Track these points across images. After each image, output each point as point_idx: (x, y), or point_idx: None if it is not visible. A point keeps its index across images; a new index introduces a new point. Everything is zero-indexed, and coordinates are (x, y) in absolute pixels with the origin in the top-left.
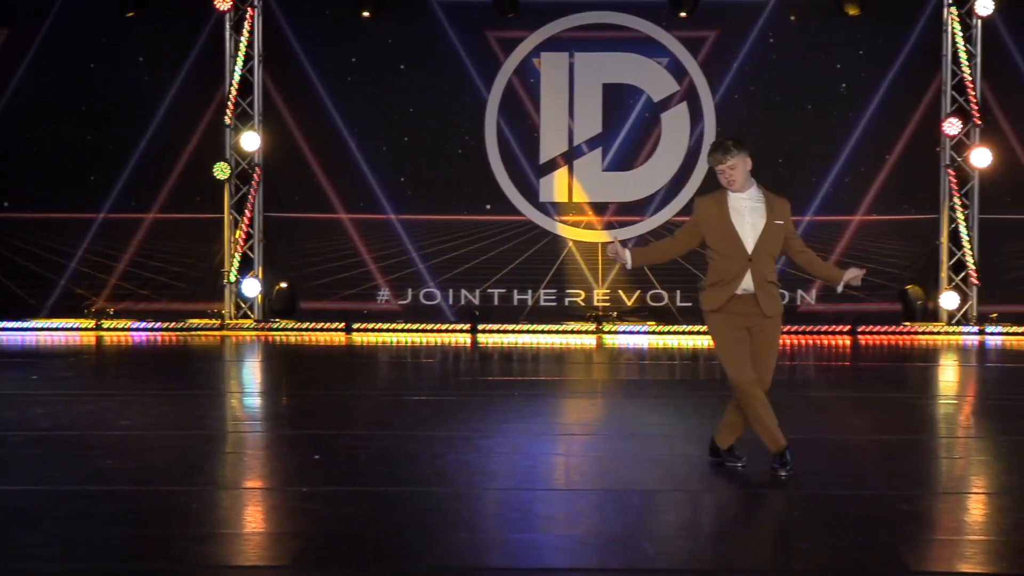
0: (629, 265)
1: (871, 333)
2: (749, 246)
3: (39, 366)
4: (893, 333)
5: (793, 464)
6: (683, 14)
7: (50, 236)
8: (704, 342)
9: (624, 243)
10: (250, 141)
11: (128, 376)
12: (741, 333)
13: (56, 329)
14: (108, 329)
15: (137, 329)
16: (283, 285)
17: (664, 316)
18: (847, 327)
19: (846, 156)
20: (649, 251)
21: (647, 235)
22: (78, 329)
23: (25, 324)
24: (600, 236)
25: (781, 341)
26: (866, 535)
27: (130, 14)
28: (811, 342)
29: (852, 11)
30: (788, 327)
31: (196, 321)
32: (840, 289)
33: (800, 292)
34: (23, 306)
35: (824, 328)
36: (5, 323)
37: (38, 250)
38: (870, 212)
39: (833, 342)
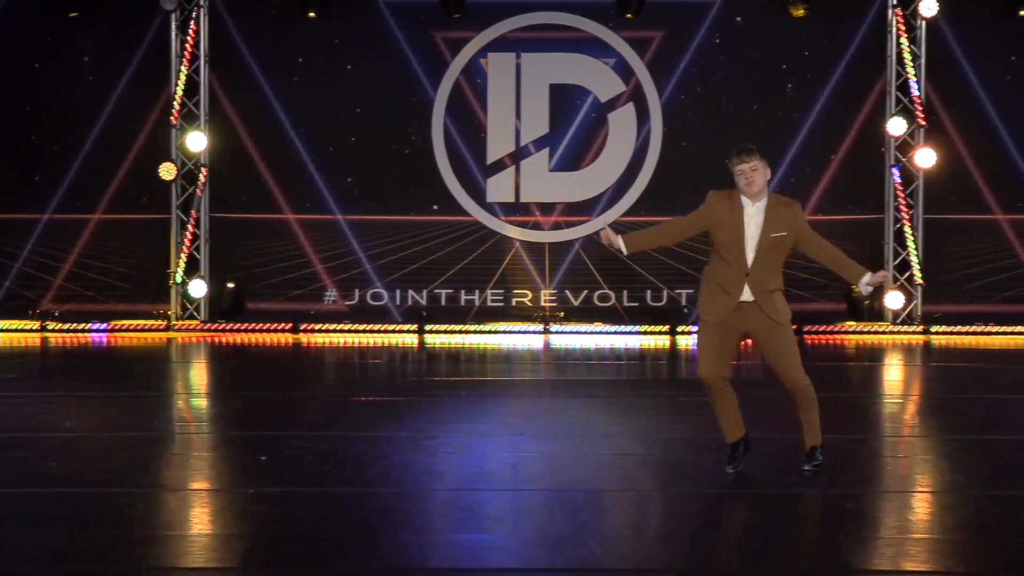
0: (625, 251)
1: (817, 332)
2: (749, 259)
3: None
4: (839, 332)
5: (744, 460)
6: (628, 15)
7: None
8: (650, 341)
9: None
10: (196, 141)
11: (74, 378)
12: (728, 335)
13: (0, 330)
14: (53, 330)
15: (83, 330)
16: (230, 286)
17: (611, 316)
18: (793, 327)
19: (792, 156)
20: (643, 236)
21: (593, 235)
22: (23, 330)
23: None
24: (547, 236)
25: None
26: (812, 534)
27: (74, 14)
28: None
29: (797, 12)
30: None
31: (142, 322)
32: (865, 289)
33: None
34: None
35: None
36: None
37: None
38: (815, 212)
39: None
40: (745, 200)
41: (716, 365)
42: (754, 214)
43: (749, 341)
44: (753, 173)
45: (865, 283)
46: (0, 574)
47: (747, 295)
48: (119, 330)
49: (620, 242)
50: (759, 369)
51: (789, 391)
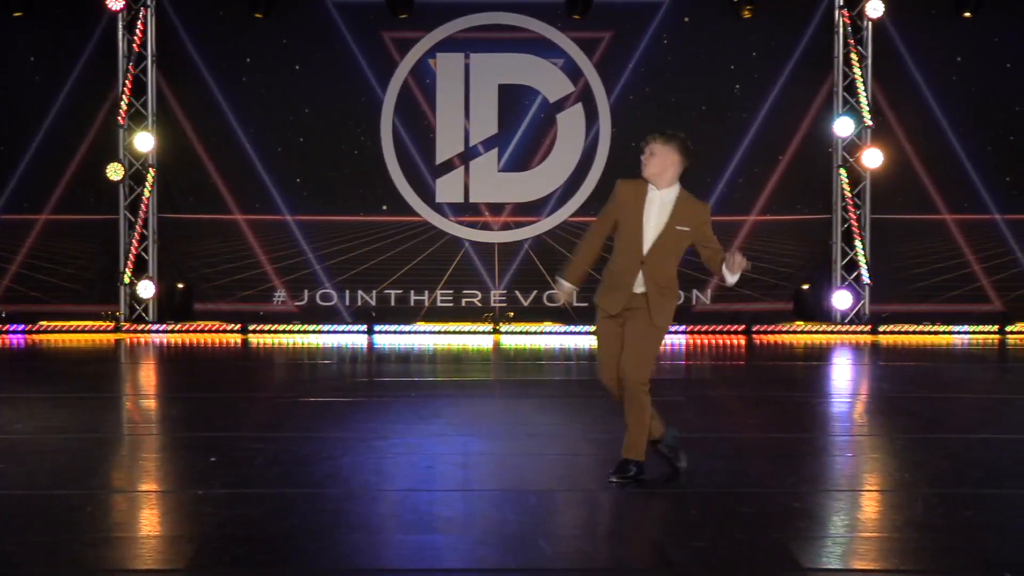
0: (575, 288)
1: (765, 332)
2: (645, 246)
3: None
4: (787, 332)
5: (619, 472)
6: (576, 16)
7: None
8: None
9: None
10: (144, 142)
11: (20, 379)
12: (618, 332)
13: None
14: (0, 332)
15: (29, 331)
16: (179, 286)
17: (560, 316)
18: (742, 327)
19: (740, 157)
20: (579, 263)
21: (543, 235)
22: None
23: None
24: (497, 236)
25: (661, 346)
26: (759, 533)
27: (18, 13)
28: (706, 342)
29: (745, 13)
30: (683, 327)
31: (90, 323)
32: (730, 281)
33: (695, 292)
34: None
35: (719, 328)
36: None
37: None
38: (764, 212)
39: (728, 342)
40: (651, 187)
41: (612, 368)
42: (658, 200)
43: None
44: (650, 157)
45: (729, 275)
46: None
47: (640, 285)
48: (66, 331)
49: (569, 290)
50: (707, 370)
51: (625, 388)
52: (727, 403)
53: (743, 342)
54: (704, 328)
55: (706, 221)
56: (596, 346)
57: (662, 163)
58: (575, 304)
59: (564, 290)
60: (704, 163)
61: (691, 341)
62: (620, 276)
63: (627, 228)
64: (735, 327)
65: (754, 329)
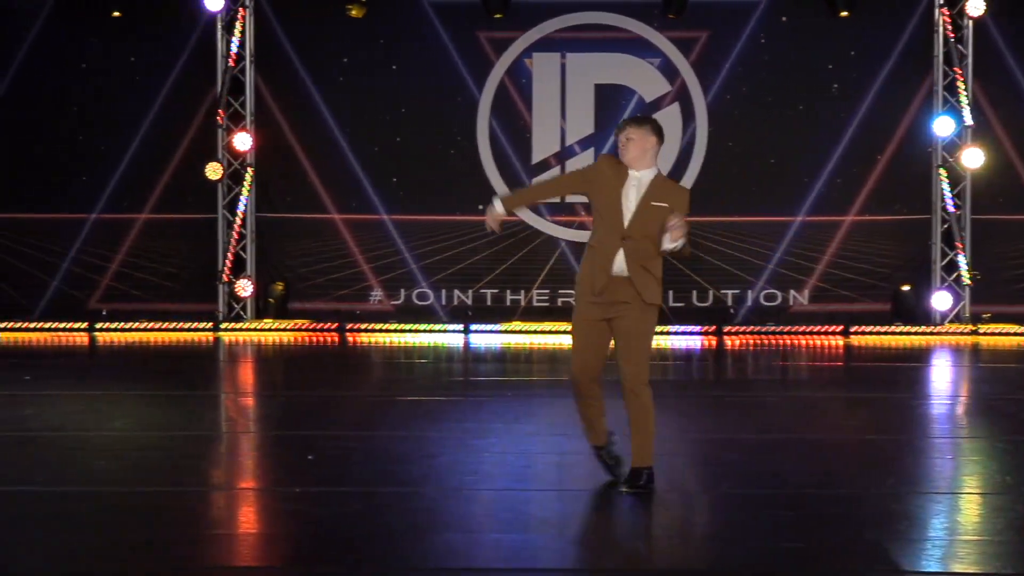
0: (503, 210)
1: (863, 334)
2: (626, 220)
3: (31, 367)
4: (886, 333)
5: (632, 483)
6: (671, 16)
7: (43, 237)
8: (696, 342)
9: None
10: (242, 141)
11: (120, 377)
12: (599, 327)
13: (49, 330)
14: (101, 329)
15: (130, 329)
16: (278, 286)
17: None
18: (839, 327)
19: (838, 156)
20: (522, 195)
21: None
22: (71, 330)
23: (18, 325)
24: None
25: (655, 339)
26: (857, 535)
27: (116, 14)
28: (803, 343)
29: (843, 12)
30: (782, 327)
31: (188, 323)
32: (667, 247)
33: (792, 292)
34: (16, 307)
35: (816, 329)
36: None
37: (31, 251)
38: (862, 212)
39: (825, 343)
40: (631, 169)
41: (587, 363)
42: (636, 180)
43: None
44: (627, 142)
45: (665, 243)
46: (49, 573)
47: (621, 265)
48: (166, 329)
49: (499, 215)
50: (803, 370)
51: (623, 390)
52: (824, 404)
53: (840, 343)
54: (801, 329)
55: (683, 204)
56: (574, 337)
57: (640, 147)
58: (671, 304)
59: (494, 211)
60: (801, 163)
61: (788, 342)
62: (599, 253)
63: (606, 204)
64: (832, 328)
65: (852, 330)
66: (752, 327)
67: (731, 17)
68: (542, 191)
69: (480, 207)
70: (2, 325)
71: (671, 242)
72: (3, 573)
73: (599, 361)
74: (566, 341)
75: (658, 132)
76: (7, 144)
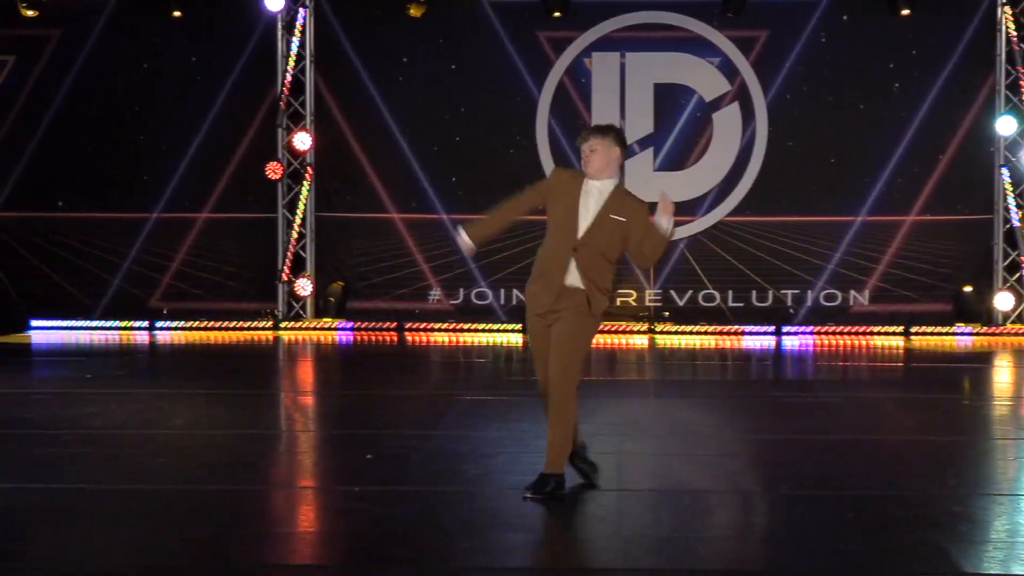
0: (472, 245)
1: (924, 334)
2: (580, 231)
3: (92, 365)
4: (947, 334)
5: (537, 488)
6: (730, 14)
7: (105, 236)
8: (755, 342)
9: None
10: (302, 141)
11: (181, 375)
12: (548, 334)
13: (110, 328)
14: (161, 328)
15: (190, 328)
16: (337, 285)
17: (716, 316)
18: (900, 328)
19: (899, 156)
20: (486, 224)
21: (698, 235)
22: (132, 328)
23: (80, 323)
24: None
25: (593, 344)
26: (917, 537)
27: (177, 13)
28: (863, 343)
29: (904, 11)
30: (842, 328)
31: (248, 322)
32: (666, 225)
33: (853, 293)
34: (77, 305)
35: (876, 329)
36: (59, 322)
37: (92, 249)
38: (923, 212)
39: (885, 343)
40: (588, 179)
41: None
42: (594, 190)
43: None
44: (591, 153)
45: (661, 222)
46: (108, 570)
47: (572, 276)
48: (226, 328)
49: (469, 246)
50: (863, 371)
51: (549, 394)
52: (884, 405)
53: (901, 343)
54: (861, 329)
55: (643, 218)
56: (531, 351)
57: (605, 157)
58: (730, 304)
59: (464, 243)
60: (862, 163)
61: (848, 342)
62: (549, 263)
63: (560, 214)
64: (893, 328)
65: (912, 330)
66: (812, 327)
67: (792, 16)
68: (505, 214)
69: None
70: (64, 323)
71: (667, 222)
72: (66, 570)
73: None
74: (624, 340)
75: (622, 142)
76: (70, 144)
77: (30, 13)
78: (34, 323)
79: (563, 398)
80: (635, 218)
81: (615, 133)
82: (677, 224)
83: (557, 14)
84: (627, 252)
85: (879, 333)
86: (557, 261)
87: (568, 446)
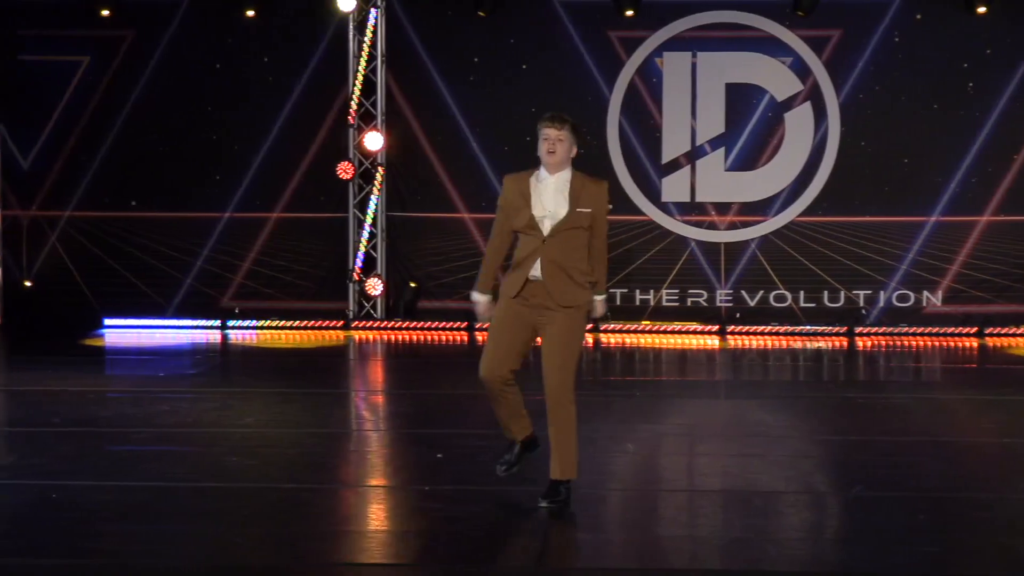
0: (483, 298)
1: (999, 335)
2: (545, 229)
3: (165, 363)
4: (1021, 335)
5: (551, 496)
6: (800, 13)
7: (177, 235)
8: (826, 342)
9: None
10: (373, 141)
11: (252, 374)
12: (519, 327)
13: (182, 327)
14: (233, 327)
15: (261, 327)
16: (408, 285)
17: (788, 317)
18: (974, 328)
19: (973, 156)
20: (488, 271)
21: (769, 235)
22: (204, 327)
23: (153, 322)
24: (723, 236)
25: (585, 342)
26: (993, 539)
27: (250, 13)
28: (937, 344)
29: (980, 9)
30: (915, 328)
31: (319, 321)
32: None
33: (926, 293)
34: (150, 304)
35: (950, 330)
36: (133, 320)
37: (165, 249)
38: (997, 213)
39: (959, 344)
40: (543, 173)
41: (498, 364)
42: (553, 184)
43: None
44: (559, 143)
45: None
46: (180, 566)
47: (536, 270)
48: (297, 327)
49: (486, 302)
50: (937, 372)
51: (547, 401)
52: (958, 406)
53: (975, 344)
54: (935, 330)
55: (603, 204)
56: (490, 334)
57: (567, 149)
58: (801, 304)
59: (481, 304)
60: (935, 162)
61: (921, 343)
62: (521, 258)
63: (519, 215)
64: (967, 329)
65: (987, 331)
66: (884, 328)
67: (865, 15)
68: (496, 251)
69: (610, 206)
70: (138, 322)
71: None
72: (138, 566)
73: (510, 360)
74: (694, 341)
75: (578, 133)
76: (143, 143)
77: (105, 12)
78: (108, 322)
79: (567, 403)
80: (596, 204)
81: (571, 122)
82: (748, 225)
83: (630, 13)
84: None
85: (953, 334)
86: (528, 253)
87: (575, 449)
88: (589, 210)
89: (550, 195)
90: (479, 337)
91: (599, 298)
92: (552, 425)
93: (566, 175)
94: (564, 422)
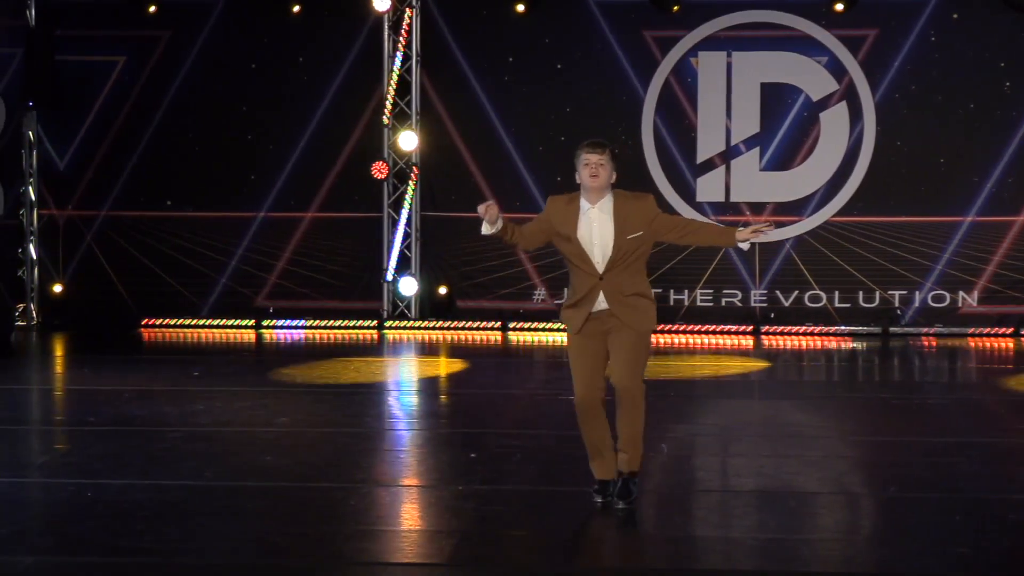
0: (486, 230)
1: None
2: (600, 265)
3: (200, 363)
4: None
5: (624, 495)
6: (839, 6)
7: (211, 235)
8: (862, 343)
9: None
10: (408, 140)
11: (286, 373)
12: (593, 349)
13: (217, 326)
14: (268, 327)
15: (296, 326)
16: (442, 285)
17: (822, 317)
18: (1010, 329)
19: (1009, 156)
20: (513, 230)
21: (805, 235)
22: (238, 327)
23: (187, 321)
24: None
25: (652, 346)
26: None
27: (296, 8)
28: (972, 344)
29: (1017, 8)
30: (950, 329)
31: (353, 320)
32: (745, 246)
33: (961, 293)
34: (185, 304)
35: (985, 330)
36: (167, 320)
37: (200, 248)
38: None
39: (995, 344)
40: (584, 204)
41: (590, 384)
42: (597, 216)
43: None
44: (600, 168)
45: (741, 241)
46: (214, 564)
47: (601, 303)
48: (331, 327)
49: (495, 221)
50: (972, 372)
51: (617, 393)
52: (994, 407)
53: (1011, 345)
54: (970, 331)
55: (651, 210)
56: (572, 363)
57: (608, 174)
58: (836, 305)
59: (492, 213)
60: (971, 162)
61: (957, 344)
62: (581, 295)
63: (571, 251)
64: (1003, 329)
65: (1023, 332)
66: (920, 328)
67: (900, 14)
68: (521, 232)
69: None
70: (172, 322)
71: (746, 244)
72: (174, 564)
73: (600, 381)
74: (729, 341)
75: (615, 156)
76: (179, 143)
77: (152, 9)
78: (143, 321)
79: (639, 399)
80: (646, 219)
81: (612, 150)
82: (782, 224)
83: (676, 8)
84: (669, 241)
85: (989, 334)
86: (586, 290)
87: (642, 443)
88: (640, 233)
89: (596, 225)
90: (512, 338)
91: (743, 235)
92: (622, 417)
93: (608, 202)
94: (635, 414)
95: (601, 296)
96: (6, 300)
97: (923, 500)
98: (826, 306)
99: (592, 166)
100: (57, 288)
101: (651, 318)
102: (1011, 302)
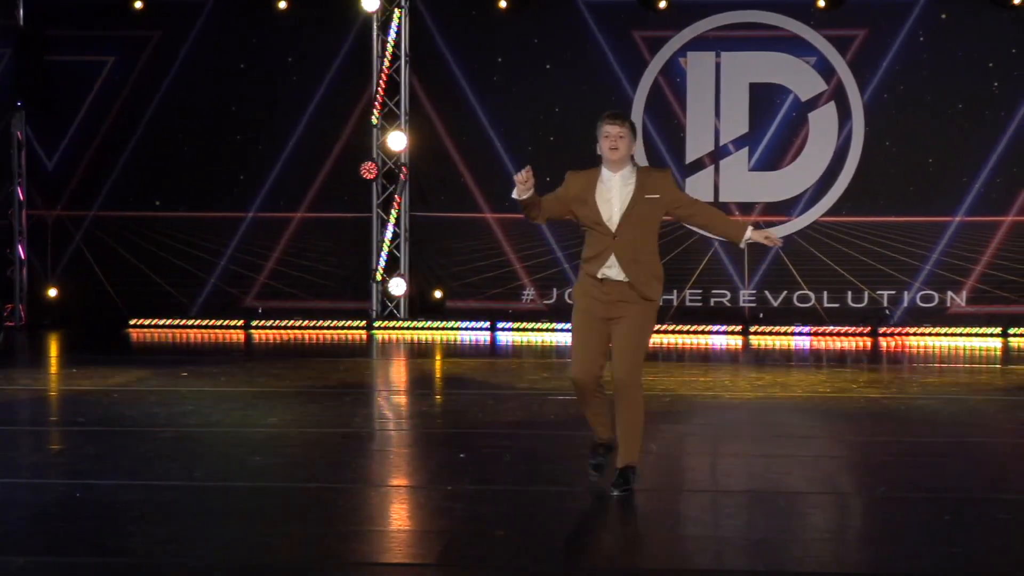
0: (519, 194)
1: (1023, 336)
2: (613, 224)
3: (189, 363)
4: None
5: (621, 484)
6: (821, 2)
7: (200, 235)
8: (851, 343)
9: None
10: (397, 141)
11: (275, 374)
12: (597, 327)
13: (206, 327)
14: (256, 327)
15: (284, 327)
16: (431, 285)
17: (811, 317)
18: (998, 330)
19: (997, 156)
20: (537, 201)
21: (794, 235)
22: (227, 327)
23: (176, 322)
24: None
25: (652, 336)
26: (1017, 540)
27: (282, 4)
28: (960, 344)
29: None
30: (936, 329)
31: (342, 321)
32: (742, 244)
33: (950, 294)
34: (174, 304)
35: (973, 331)
36: (157, 320)
37: (189, 249)
38: (1022, 213)
39: (983, 345)
40: (606, 172)
41: (590, 364)
42: (618, 183)
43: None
44: (620, 140)
45: (747, 239)
46: (204, 565)
47: (615, 268)
48: (320, 327)
49: (525, 188)
50: (961, 372)
51: (615, 387)
52: (982, 407)
53: (999, 345)
54: (959, 331)
55: (671, 183)
56: (573, 338)
57: (628, 145)
58: (825, 305)
59: (525, 179)
60: (960, 162)
61: (945, 344)
62: (593, 255)
63: (589, 215)
64: (991, 329)
65: (1011, 332)
66: (908, 328)
67: (889, 14)
68: (540, 202)
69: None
70: (161, 322)
71: (744, 242)
72: (162, 564)
73: (600, 360)
74: (718, 342)
75: (634, 128)
76: (168, 143)
77: (138, 4)
78: (131, 321)
79: (637, 392)
80: (664, 189)
81: (629, 118)
82: (771, 224)
83: (663, 5)
84: (681, 220)
85: (977, 335)
86: (600, 252)
87: (641, 436)
88: (657, 196)
89: (616, 192)
90: (501, 338)
91: (749, 233)
92: (621, 412)
93: (629, 171)
94: (633, 409)
95: (613, 258)
96: None
97: (912, 500)
98: (815, 306)
99: (612, 138)
100: (52, 292)
101: (658, 291)
102: (999, 302)
